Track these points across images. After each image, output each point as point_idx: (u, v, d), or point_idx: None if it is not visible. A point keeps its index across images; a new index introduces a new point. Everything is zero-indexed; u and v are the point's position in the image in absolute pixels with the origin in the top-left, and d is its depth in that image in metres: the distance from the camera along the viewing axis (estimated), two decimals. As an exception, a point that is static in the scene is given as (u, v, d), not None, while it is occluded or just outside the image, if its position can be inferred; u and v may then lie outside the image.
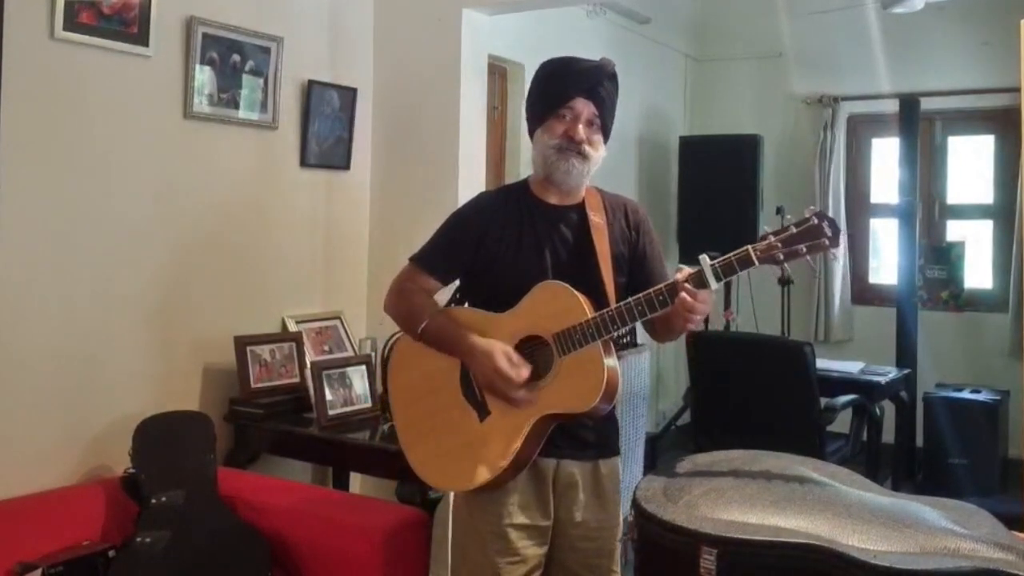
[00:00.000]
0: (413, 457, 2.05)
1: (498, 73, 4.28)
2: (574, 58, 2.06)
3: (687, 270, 1.82)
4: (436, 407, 2.03)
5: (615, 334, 1.87)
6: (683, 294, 1.80)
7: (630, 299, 1.86)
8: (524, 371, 1.91)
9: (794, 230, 1.75)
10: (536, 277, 1.96)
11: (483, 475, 1.92)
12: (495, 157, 4.26)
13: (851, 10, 5.50)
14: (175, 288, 2.91)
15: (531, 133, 2.08)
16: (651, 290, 1.84)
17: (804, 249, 1.74)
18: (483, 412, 1.96)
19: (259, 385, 3.03)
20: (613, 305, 1.90)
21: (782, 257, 1.75)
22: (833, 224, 1.73)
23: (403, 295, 2.09)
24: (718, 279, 1.78)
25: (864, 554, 1.55)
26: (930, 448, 4.95)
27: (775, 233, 1.77)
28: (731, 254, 1.78)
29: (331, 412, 2.90)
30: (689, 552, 1.65)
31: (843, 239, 5.84)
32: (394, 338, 2.32)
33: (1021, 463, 4.05)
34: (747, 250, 1.76)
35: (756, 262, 1.76)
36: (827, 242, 1.73)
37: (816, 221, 1.74)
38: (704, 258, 1.79)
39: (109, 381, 2.72)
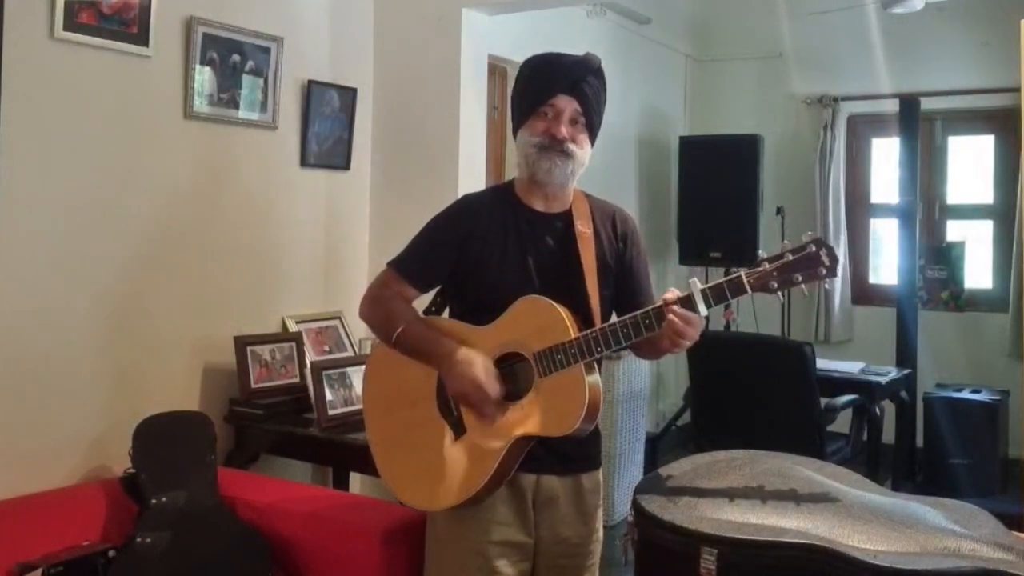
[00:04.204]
0: (386, 473, 1.98)
1: (498, 73, 4.28)
2: (557, 54, 1.97)
3: (676, 293, 1.75)
4: (411, 421, 1.95)
5: (599, 356, 1.79)
6: (672, 317, 1.71)
7: (615, 321, 1.78)
8: (501, 391, 1.84)
9: (790, 257, 1.67)
10: (519, 286, 1.88)
11: (457, 496, 1.85)
12: (495, 157, 4.26)
13: (851, 10, 5.50)
14: (175, 288, 2.91)
15: (515, 134, 2.00)
16: (638, 313, 1.76)
17: (800, 278, 1.67)
18: (459, 429, 1.89)
19: (259, 385, 3.03)
20: (597, 318, 1.84)
21: (776, 286, 1.68)
22: (831, 253, 1.66)
23: (379, 301, 2.01)
24: (708, 305, 1.71)
25: (864, 554, 1.55)
26: (930, 448, 4.94)
27: (770, 259, 1.69)
28: (723, 280, 1.70)
29: (331, 412, 2.90)
30: (689, 552, 1.65)
31: (843, 236, 5.82)
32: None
33: (1021, 463, 4.05)
34: (740, 277, 1.69)
35: (749, 290, 1.68)
36: (824, 271, 1.65)
37: (814, 249, 1.66)
38: (694, 282, 1.73)
39: (109, 381, 2.72)
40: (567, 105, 1.91)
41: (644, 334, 1.76)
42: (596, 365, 1.84)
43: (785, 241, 1.73)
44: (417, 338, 1.94)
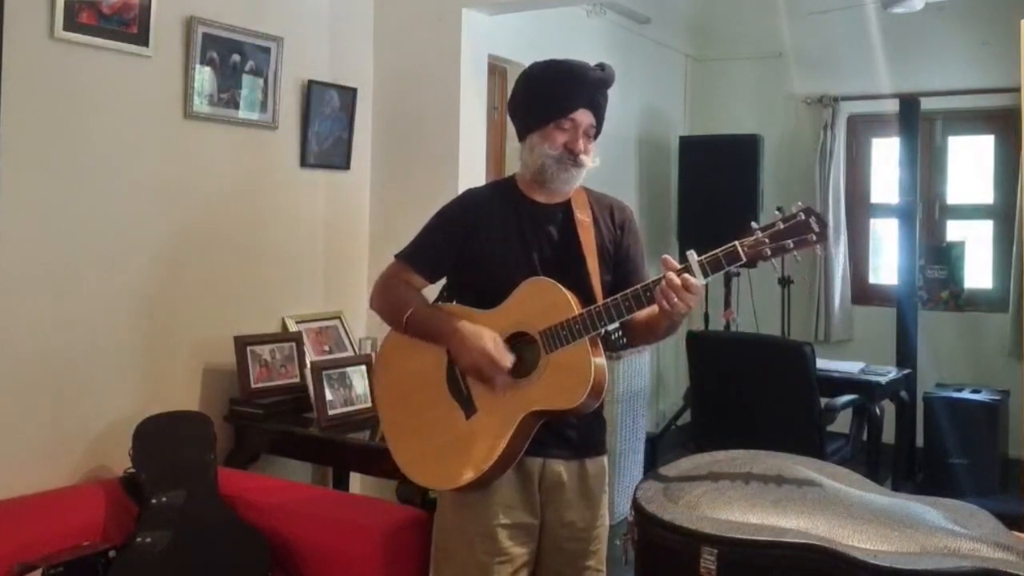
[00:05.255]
0: (400, 455, 2.05)
1: (498, 73, 4.28)
2: (577, 66, 2.02)
3: (675, 263, 1.82)
4: (422, 405, 2.02)
5: (602, 331, 1.87)
6: (670, 274, 1.78)
7: (617, 295, 1.85)
8: (509, 357, 1.90)
9: (781, 226, 1.75)
10: (523, 274, 1.96)
11: (469, 473, 1.91)
12: (495, 157, 4.26)
13: (851, 10, 5.50)
14: (175, 288, 2.91)
15: (520, 133, 2.06)
16: (638, 286, 1.85)
17: (791, 244, 1.74)
18: (469, 409, 1.96)
19: (259, 385, 3.03)
20: (600, 300, 1.90)
21: (769, 253, 1.75)
22: (820, 220, 1.73)
23: (388, 289, 2.09)
24: (705, 275, 1.78)
25: (864, 554, 1.55)
26: (930, 448, 4.94)
27: (763, 228, 1.76)
28: (719, 250, 1.78)
29: (331, 412, 2.90)
30: (689, 552, 1.65)
31: (843, 236, 5.83)
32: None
33: (1021, 463, 4.05)
34: (735, 246, 1.76)
35: (743, 257, 1.75)
36: (814, 238, 1.73)
37: (803, 217, 1.74)
38: (692, 254, 1.79)
39: (109, 381, 2.72)
40: (584, 119, 2.00)
41: (645, 306, 1.83)
42: (602, 347, 1.91)
43: (776, 211, 1.80)
44: (425, 319, 2.02)
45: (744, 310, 5.49)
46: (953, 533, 1.63)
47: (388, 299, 2.09)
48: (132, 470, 2.47)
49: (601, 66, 2.02)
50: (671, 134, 5.91)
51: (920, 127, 5.15)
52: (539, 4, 3.86)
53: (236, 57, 3.05)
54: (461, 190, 3.31)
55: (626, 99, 5.33)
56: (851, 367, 4.39)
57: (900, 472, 4.84)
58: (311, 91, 3.33)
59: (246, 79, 3.09)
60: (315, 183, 3.42)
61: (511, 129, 2.16)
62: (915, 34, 5.41)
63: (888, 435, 4.46)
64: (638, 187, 5.65)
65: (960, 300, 5.41)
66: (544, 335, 1.89)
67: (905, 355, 5.01)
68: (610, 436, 4.20)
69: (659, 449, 4.89)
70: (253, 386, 3.01)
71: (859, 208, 5.91)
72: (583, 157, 1.99)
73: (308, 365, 3.07)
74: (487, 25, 3.58)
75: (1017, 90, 2.89)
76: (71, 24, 2.55)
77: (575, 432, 2.01)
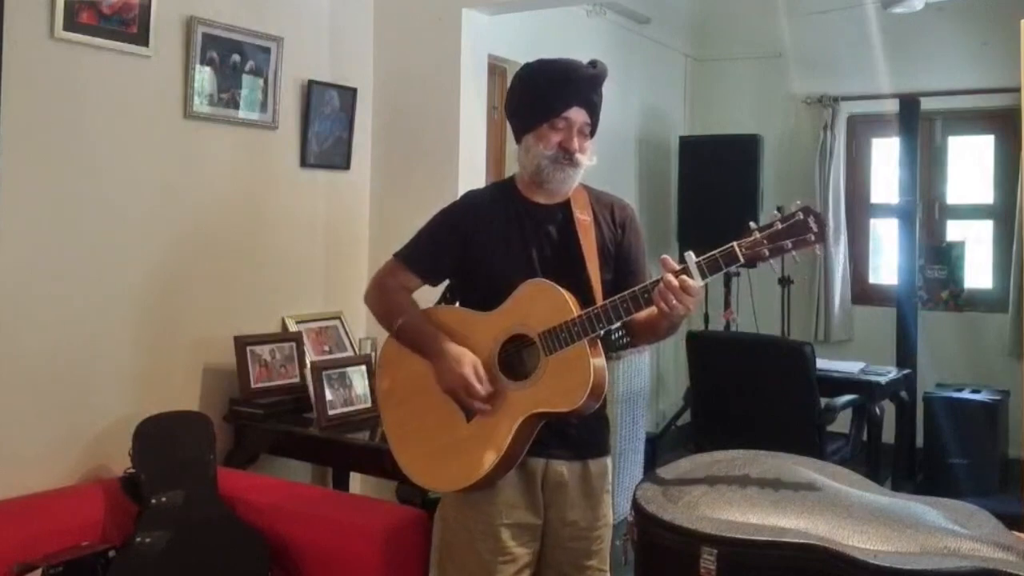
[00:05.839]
0: (402, 457, 2.05)
1: (498, 73, 4.28)
2: (568, 64, 2.01)
3: (673, 264, 1.81)
4: (424, 407, 2.02)
5: (601, 332, 1.87)
6: (668, 275, 1.77)
7: (615, 297, 1.85)
8: (488, 388, 1.91)
9: (779, 226, 1.74)
10: (523, 276, 1.95)
11: (471, 475, 1.91)
12: (495, 157, 4.26)
13: (851, 10, 5.50)
14: (175, 288, 2.91)
15: (517, 133, 2.06)
16: (636, 288, 1.84)
17: (790, 245, 1.73)
18: (471, 411, 1.96)
19: (259, 385, 3.03)
20: (599, 301, 1.90)
21: (767, 254, 1.74)
22: (819, 220, 1.72)
23: (383, 291, 2.10)
24: (703, 276, 1.78)
25: (864, 554, 1.55)
26: (930, 448, 4.94)
27: (761, 229, 1.75)
28: (717, 251, 1.77)
29: (331, 412, 2.90)
30: (689, 552, 1.65)
31: (843, 236, 5.81)
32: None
33: (1021, 463, 4.05)
34: (733, 247, 1.76)
35: (741, 258, 1.75)
36: (813, 238, 1.72)
37: (802, 217, 1.73)
38: (690, 255, 1.78)
39: (109, 381, 2.72)
40: (578, 117, 1.98)
41: (644, 307, 1.83)
42: (601, 348, 1.91)
43: (775, 211, 1.79)
44: (414, 332, 2.03)
45: (744, 310, 5.49)
46: (953, 533, 1.63)
47: (382, 302, 2.10)
48: (132, 470, 2.47)
49: (593, 63, 2.01)
50: (671, 134, 5.91)
51: (920, 127, 5.15)
52: (539, 4, 3.86)
53: (236, 57, 3.05)
54: (461, 190, 3.33)
55: (626, 99, 5.34)
56: (851, 367, 4.39)
57: (900, 472, 4.84)
58: (311, 91, 3.33)
59: (246, 79, 3.09)
60: (315, 183, 3.42)
61: (511, 129, 2.16)
62: (915, 34, 5.41)
63: (888, 435, 4.46)
64: (638, 187, 5.65)
65: (960, 300, 5.40)
66: (543, 337, 1.89)
67: (905, 355, 5.01)
68: (610, 436, 4.20)
69: (659, 449, 4.89)
70: (253, 386, 3.01)
71: (859, 208, 5.91)
72: (579, 156, 1.98)
73: (308, 365, 3.07)
74: (487, 25, 3.58)
75: (1017, 90, 2.89)
76: (71, 24, 2.55)
77: (577, 433, 2.01)
